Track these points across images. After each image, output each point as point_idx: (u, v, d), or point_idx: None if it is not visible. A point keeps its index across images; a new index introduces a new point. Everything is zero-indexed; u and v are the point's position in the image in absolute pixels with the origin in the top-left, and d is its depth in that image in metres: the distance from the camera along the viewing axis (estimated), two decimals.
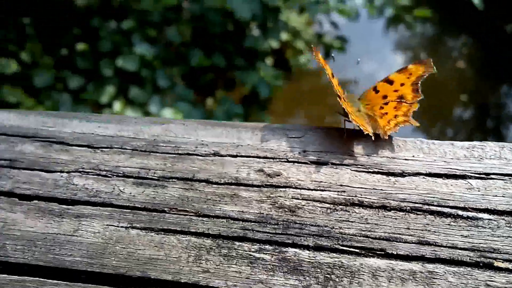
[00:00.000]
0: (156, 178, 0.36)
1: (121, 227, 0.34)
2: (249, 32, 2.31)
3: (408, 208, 0.32)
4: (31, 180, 0.37)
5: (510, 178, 0.34)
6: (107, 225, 0.34)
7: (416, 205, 0.33)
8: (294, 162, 0.36)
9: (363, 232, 0.31)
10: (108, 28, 1.95)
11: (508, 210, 0.32)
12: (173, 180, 0.36)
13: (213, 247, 0.32)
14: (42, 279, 0.32)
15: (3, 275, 0.32)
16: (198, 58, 1.98)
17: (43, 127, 0.41)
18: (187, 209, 0.34)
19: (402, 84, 0.38)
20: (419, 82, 0.38)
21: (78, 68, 1.87)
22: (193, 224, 0.33)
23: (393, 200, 0.33)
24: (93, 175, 0.37)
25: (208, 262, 0.31)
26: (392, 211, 0.32)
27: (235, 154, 0.37)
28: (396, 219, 0.32)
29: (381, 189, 0.34)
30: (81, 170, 0.37)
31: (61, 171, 0.37)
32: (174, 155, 0.37)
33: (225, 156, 0.37)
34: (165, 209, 0.34)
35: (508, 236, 0.31)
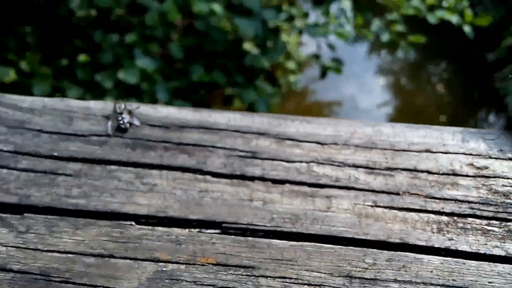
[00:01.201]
0: (383, 168, 0.45)
1: (367, 205, 0.42)
2: (248, 51, 2.39)
3: None
4: (276, 168, 0.46)
5: None
6: (354, 203, 0.43)
7: None
8: (495, 158, 0.45)
9: None
10: (111, 40, 2.03)
11: None
12: (398, 170, 0.45)
13: (450, 222, 0.41)
14: (318, 244, 0.40)
15: (281, 241, 0.41)
16: (199, 74, 2.05)
17: (270, 127, 0.49)
18: (418, 193, 0.43)
19: None
20: None
21: (78, 79, 1.92)
22: (428, 204, 0.42)
23: None
24: (328, 165, 0.46)
25: (449, 233, 0.40)
26: None
27: (444, 151, 0.46)
28: None
29: None
30: (315, 161, 0.46)
31: (300, 162, 0.46)
32: (392, 151, 0.46)
33: (436, 152, 0.46)
34: (399, 192, 0.43)
35: None
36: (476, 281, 0.37)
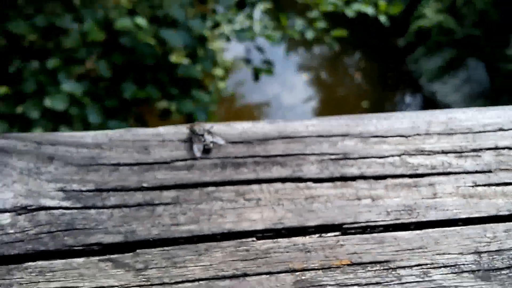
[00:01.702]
0: (469, 150, 0.48)
1: (468, 186, 0.45)
2: (179, 62, 2.39)
3: None
4: (372, 165, 0.48)
5: None
6: (457, 186, 0.45)
7: None
8: None
9: None
10: (31, 68, 1.93)
11: None
12: (482, 150, 0.48)
13: None
14: (440, 228, 0.42)
15: (406, 232, 0.42)
16: (132, 91, 2.01)
17: (350, 128, 0.51)
18: (508, 168, 0.47)
19: None
20: None
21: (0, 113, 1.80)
22: None
23: None
24: (419, 155, 0.48)
25: None
26: None
27: None
28: None
29: None
30: (406, 153, 0.48)
31: (392, 155, 0.48)
32: (471, 134, 0.50)
33: (508, 129, 0.50)
34: (491, 170, 0.47)
35: None
36: None
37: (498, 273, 0.39)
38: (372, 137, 0.50)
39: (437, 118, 0.52)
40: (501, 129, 0.50)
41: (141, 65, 2.10)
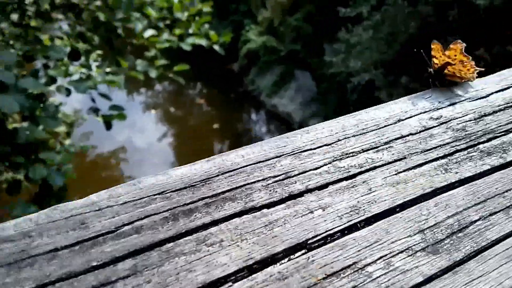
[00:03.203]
0: (383, 143, 0.55)
1: (393, 175, 0.52)
2: (17, 127, 2.20)
3: None
4: (312, 178, 0.51)
5: None
6: (384, 177, 0.52)
7: None
8: (441, 108, 0.60)
9: None
10: None
11: None
12: (393, 141, 0.56)
13: (446, 162, 0.54)
14: (390, 217, 0.48)
15: (359, 231, 0.46)
16: None
17: (282, 148, 0.54)
18: (417, 151, 0.55)
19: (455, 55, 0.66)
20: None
21: None
22: (427, 156, 0.54)
23: None
24: (346, 158, 0.53)
25: (451, 169, 0.53)
26: None
27: (409, 116, 0.59)
28: None
29: None
30: (336, 159, 0.53)
31: (325, 164, 0.52)
32: (379, 130, 0.57)
33: (405, 119, 0.59)
34: (405, 156, 0.54)
35: None
36: None
37: (442, 243, 0.45)
38: (303, 151, 0.54)
39: (349, 122, 0.58)
40: (399, 120, 0.59)
41: None
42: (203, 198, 0.48)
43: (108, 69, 3.31)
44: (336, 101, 5.69)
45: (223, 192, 0.48)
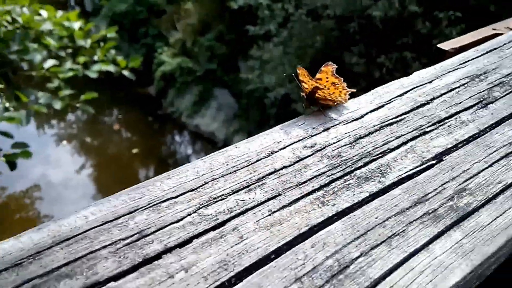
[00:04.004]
0: (255, 181, 0.50)
1: (266, 216, 0.46)
2: None
3: None
4: (172, 233, 0.43)
5: None
6: (257, 221, 0.46)
7: None
8: (314, 135, 0.56)
9: None
10: None
11: None
12: (266, 177, 0.50)
13: (322, 194, 0.49)
14: (260, 269, 0.41)
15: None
16: None
17: (136, 202, 0.46)
18: (300, 186, 0.50)
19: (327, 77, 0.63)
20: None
21: None
22: (304, 188, 0.49)
23: None
24: (213, 203, 0.47)
25: (328, 202, 0.49)
26: None
27: (282, 147, 0.54)
28: None
29: None
30: (201, 206, 0.46)
31: (189, 214, 0.45)
32: (250, 166, 0.51)
33: (278, 151, 0.54)
34: (280, 193, 0.49)
35: None
36: None
37: None
38: (162, 202, 0.46)
39: (217, 160, 0.52)
40: (272, 152, 0.54)
41: None
42: (30, 280, 0.38)
43: (7, 104, 3.03)
44: (259, 115, 5.75)
45: (58, 268, 0.39)
